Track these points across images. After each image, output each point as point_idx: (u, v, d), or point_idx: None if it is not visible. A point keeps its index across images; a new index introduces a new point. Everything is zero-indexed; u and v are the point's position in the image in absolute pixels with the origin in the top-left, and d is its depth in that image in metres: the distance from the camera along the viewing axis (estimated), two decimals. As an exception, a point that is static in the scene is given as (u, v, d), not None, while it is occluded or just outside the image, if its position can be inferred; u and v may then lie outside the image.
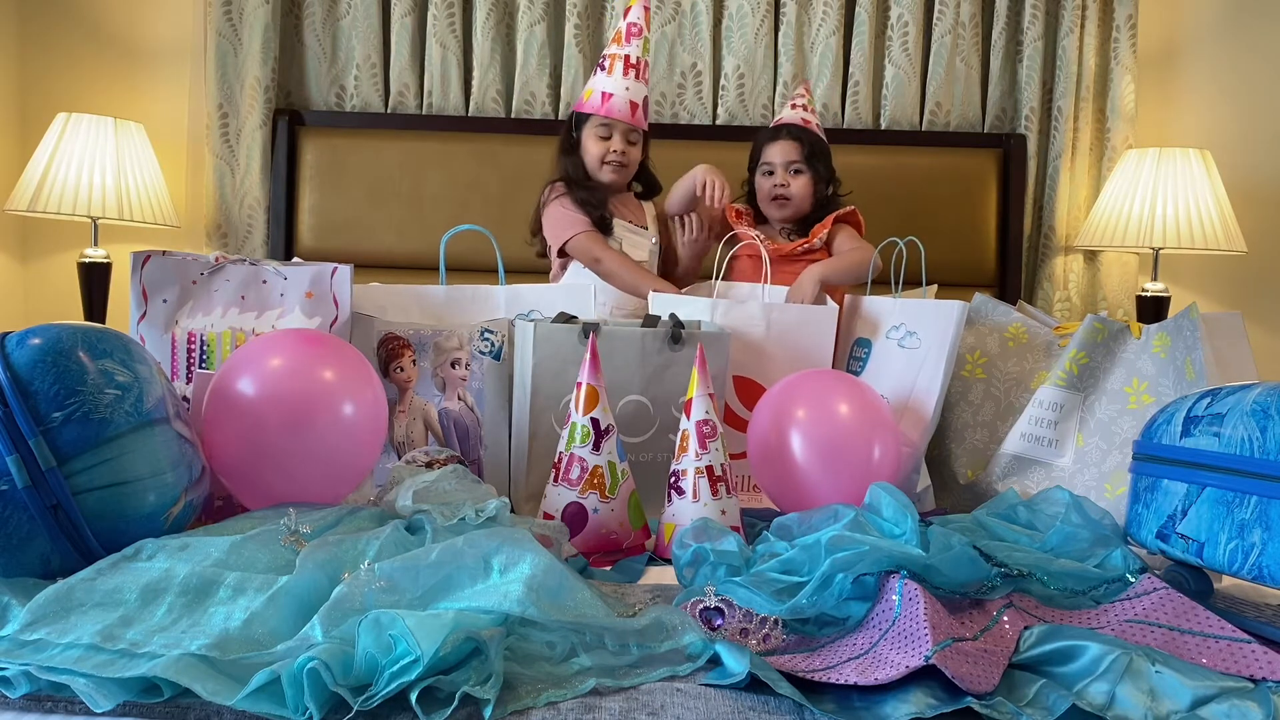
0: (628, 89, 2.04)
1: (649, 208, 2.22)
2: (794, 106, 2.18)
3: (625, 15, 2.06)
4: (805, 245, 2.03)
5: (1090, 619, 1.03)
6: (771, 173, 2.11)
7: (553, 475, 1.35)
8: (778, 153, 2.10)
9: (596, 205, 2.06)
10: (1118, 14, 2.78)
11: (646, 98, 2.09)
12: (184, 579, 0.93)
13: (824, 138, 2.15)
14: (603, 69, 2.06)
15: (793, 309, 1.75)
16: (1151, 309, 2.62)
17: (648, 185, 2.23)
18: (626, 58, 2.04)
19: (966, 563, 1.04)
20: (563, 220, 2.05)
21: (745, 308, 1.73)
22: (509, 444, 1.58)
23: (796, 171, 2.09)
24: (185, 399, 1.40)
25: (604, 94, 2.04)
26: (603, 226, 2.06)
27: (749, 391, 1.71)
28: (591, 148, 2.09)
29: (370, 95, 2.83)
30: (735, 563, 1.11)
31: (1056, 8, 2.81)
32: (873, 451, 1.43)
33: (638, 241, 2.11)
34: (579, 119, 2.10)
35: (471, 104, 2.83)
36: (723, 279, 1.92)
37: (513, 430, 1.58)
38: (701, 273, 2.14)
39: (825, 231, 2.04)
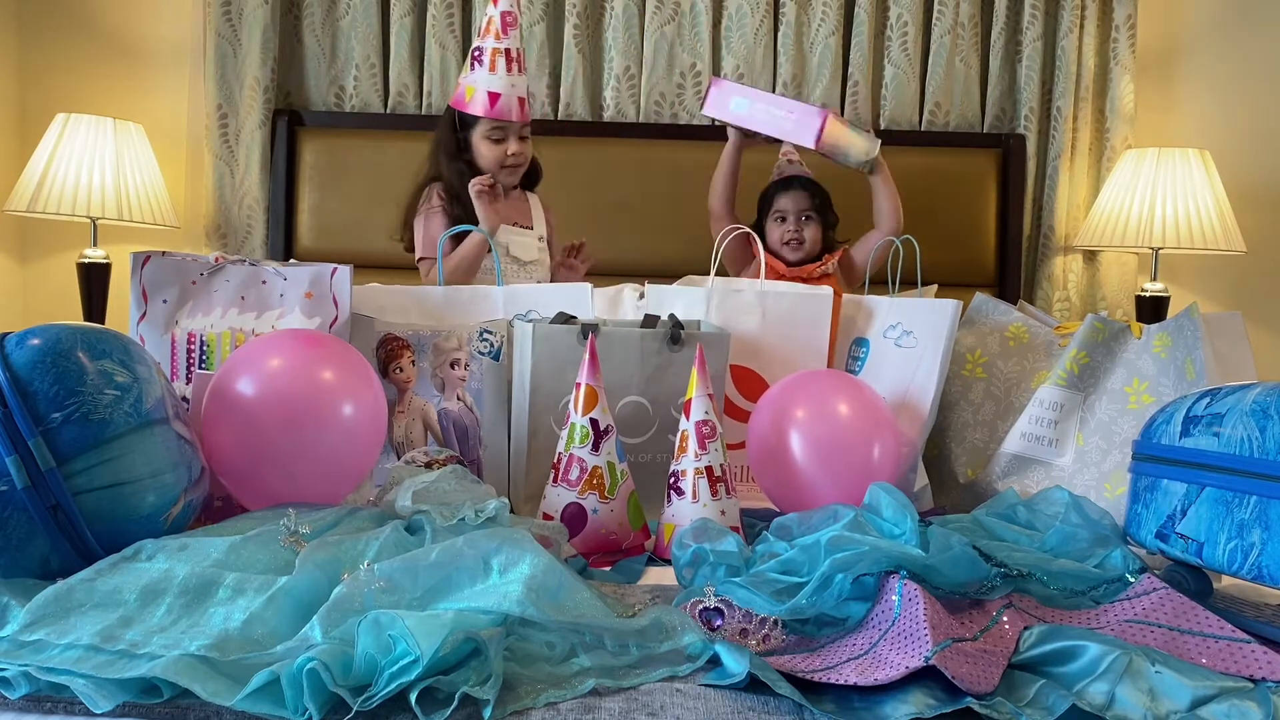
0: (513, 85, 1.97)
1: (534, 199, 2.18)
2: (790, 161, 2.32)
3: (495, 3, 1.97)
4: (820, 269, 2.18)
5: (1090, 619, 1.03)
6: (784, 219, 2.23)
7: (552, 476, 1.35)
8: (790, 202, 2.22)
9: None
10: (1117, 14, 2.78)
11: (529, 88, 2.03)
12: (183, 579, 0.93)
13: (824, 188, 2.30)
14: (480, 64, 1.98)
15: (787, 297, 1.74)
16: (1151, 309, 2.62)
17: (530, 174, 2.17)
18: (508, 52, 1.96)
19: (966, 563, 1.04)
20: (424, 241, 2.03)
21: (741, 296, 1.73)
22: (508, 444, 1.58)
23: (808, 219, 2.23)
24: (185, 399, 1.40)
25: (490, 94, 1.97)
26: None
27: (745, 380, 1.72)
28: (486, 152, 2.03)
29: (370, 95, 2.83)
30: (735, 563, 1.11)
31: (1056, 8, 2.81)
32: (873, 451, 1.43)
33: (524, 243, 2.07)
34: (464, 119, 2.04)
35: (471, 104, 2.83)
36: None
37: (512, 431, 1.58)
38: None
39: (834, 261, 2.20)
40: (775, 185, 2.28)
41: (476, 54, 1.99)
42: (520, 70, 1.99)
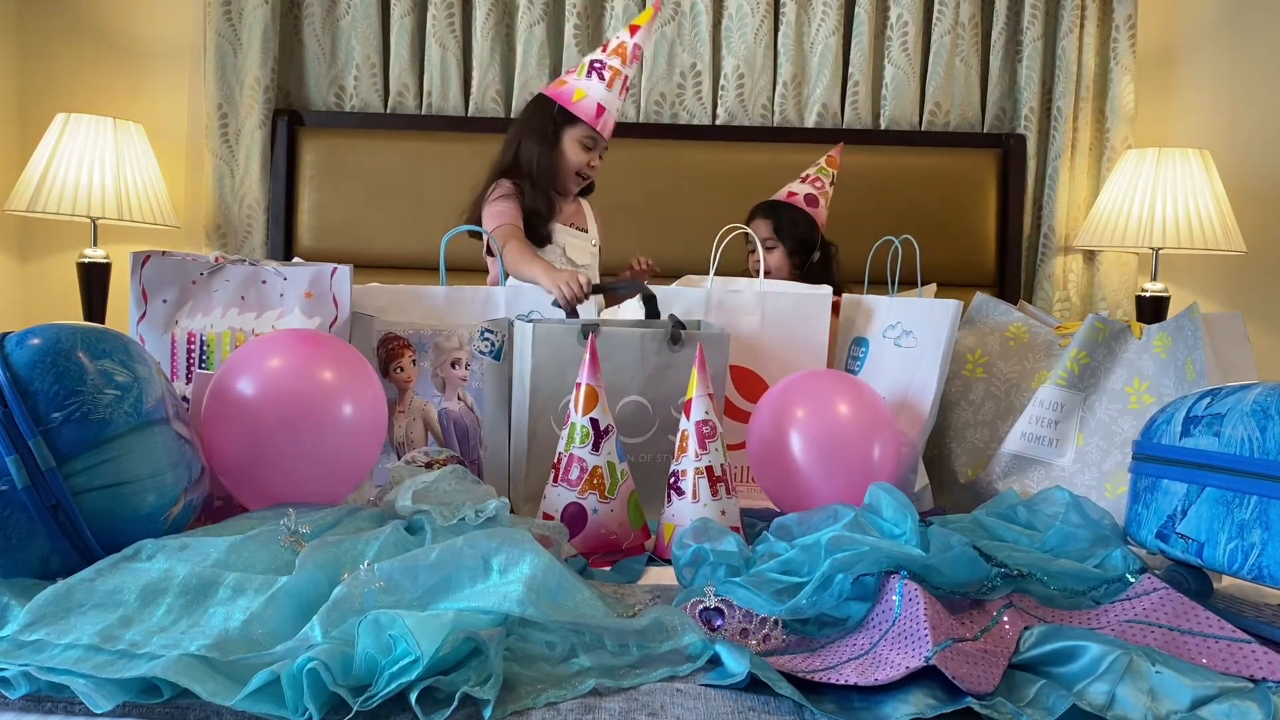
0: (618, 109, 2.05)
1: (587, 206, 2.20)
2: (803, 179, 2.36)
3: (633, 34, 2.03)
4: None
5: (1090, 619, 1.03)
6: (752, 250, 2.27)
7: (552, 476, 1.35)
8: (755, 230, 2.27)
9: (544, 220, 2.03)
10: (1117, 14, 2.78)
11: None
12: (183, 579, 0.93)
13: (808, 211, 2.31)
14: (600, 77, 2.02)
15: (786, 297, 1.75)
16: (1151, 309, 2.62)
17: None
18: (625, 78, 2.03)
19: (966, 563, 1.04)
20: (498, 215, 2.00)
21: (740, 296, 1.74)
22: (508, 444, 1.58)
23: (770, 247, 2.29)
24: (185, 399, 1.40)
25: (600, 106, 2.02)
26: (539, 239, 2.01)
27: (745, 380, 1.72)
28: (572, 154, 2.06)
29: (370, 95, 2.83)
30: (735, 563, 1.11)
31: (1056, 8, 2.82)
32: (873, 451, 1.43)
33: (580, 245, 2.09)
34: (563, 115, 2.06)
35: (471, 104, 2.84)
36: None
37: (512, 431, 1.58)
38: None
39: None
40: (750, 212, 2.34)
41: (598, 66, 2.04)
42: (624, 98, 2.08)
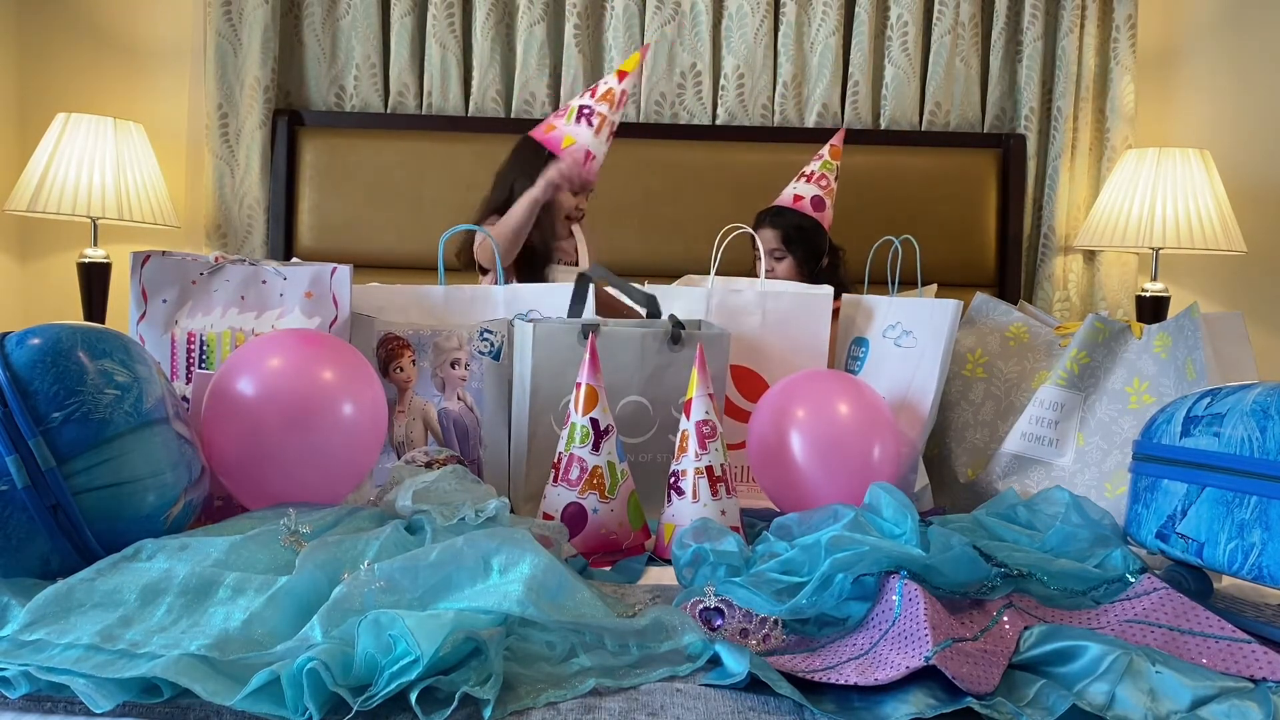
0: (604, 153, 2.07)
1: (578, 230, 2.22)
2: (809, 179, 2.30)
3: (620, 80, 2.04)
4: None
5: (1090, 619, 1.03)
6: (758, 257, 2.23)
7: (552, 476, 1.35)
8: (762, 240, 2.20)
9: (544, 261, 2.05)
10: (1117, 14, 2.78)
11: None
12: (184, 579, 0.93)
13: (815, 216, 2.26)
14: (589, 123, 2.03)
15: (787, 297, 1.75)
16: (1151, 309, 2.62)
17: None
18: (613, 123, 2.05)
19: (966, 563, 1.04)
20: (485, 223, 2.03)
21: (741, 296, 1.74)
22: (508, 444, 1.58)
23: (779, 258, 2.27)
24: (185, 399, 1.40)
25: (588, 152, 2.04)
26: (538, 279, 2.04)
27: (745, 380, 1.72)
28: (562, 198, 2.09)
29: (370, 95, 2.83)
30: (735, 563, 1.11)
31: (1056, 8, 2.82)
32: (873, 451, 1.43)
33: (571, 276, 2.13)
34: (553, 160, 2.06)
35: (471, 104, 2.84)
36: None
37: (512, 430, 1.58)
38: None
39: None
40: (757, 217, 2.30)
41: (587, 112, 2.05)
42: (610, 143, 2.09)
